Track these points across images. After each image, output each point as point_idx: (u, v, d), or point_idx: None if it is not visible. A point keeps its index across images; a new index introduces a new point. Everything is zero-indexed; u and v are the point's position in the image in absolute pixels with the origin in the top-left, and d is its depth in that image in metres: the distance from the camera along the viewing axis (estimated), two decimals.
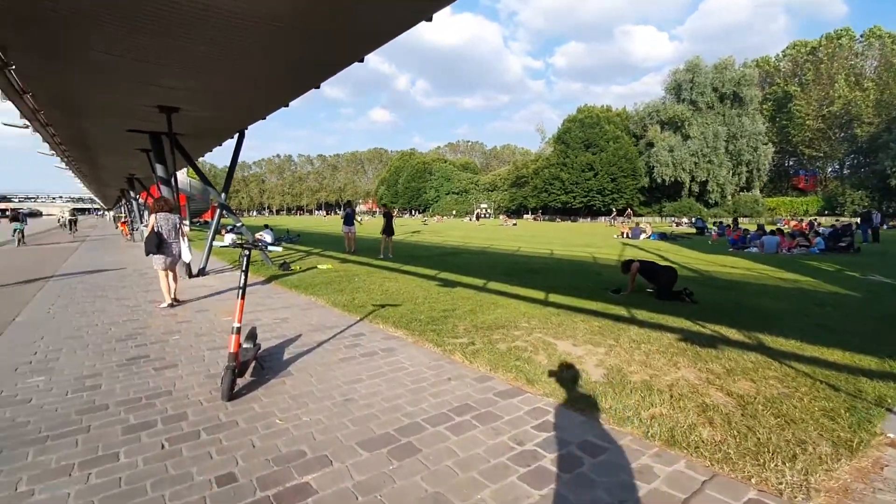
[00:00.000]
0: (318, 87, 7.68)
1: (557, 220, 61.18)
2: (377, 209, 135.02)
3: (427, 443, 2.84)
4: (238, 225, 11.43)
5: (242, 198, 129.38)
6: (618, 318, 6.01)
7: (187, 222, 20.40)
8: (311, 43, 5.23)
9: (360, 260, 13.06)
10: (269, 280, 9.52)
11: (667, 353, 4.53)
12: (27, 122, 8.69)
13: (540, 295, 7.64)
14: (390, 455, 2.70)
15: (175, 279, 7.28)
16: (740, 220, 33.03)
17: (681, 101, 57.96)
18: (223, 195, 10.85)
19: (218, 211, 11.07)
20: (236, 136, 10.95)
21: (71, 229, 28.89)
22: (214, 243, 7.30)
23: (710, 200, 56.50)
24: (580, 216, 61.35)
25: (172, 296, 7.11)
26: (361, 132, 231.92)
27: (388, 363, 4.32)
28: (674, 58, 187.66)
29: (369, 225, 40.51)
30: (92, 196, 50.62)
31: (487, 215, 74.69)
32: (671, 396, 3.49)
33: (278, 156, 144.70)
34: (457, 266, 11.63)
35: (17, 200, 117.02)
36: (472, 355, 4.43)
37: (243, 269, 3.79)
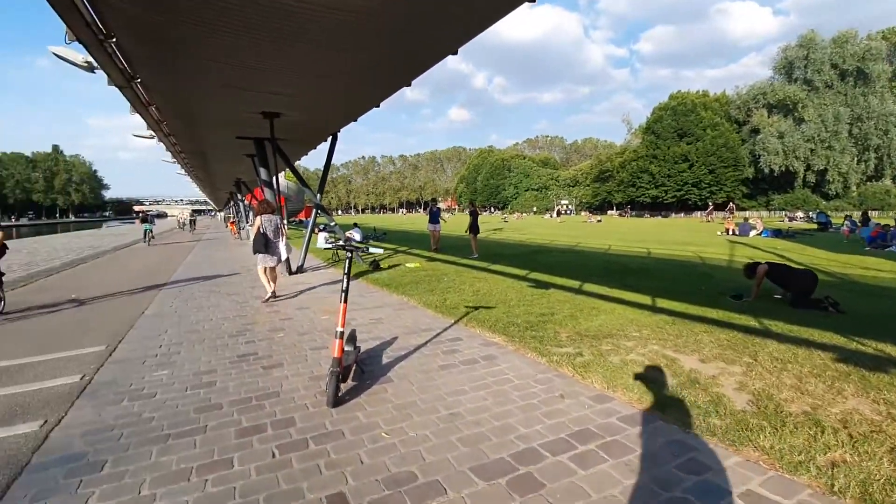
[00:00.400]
0: (409, 85, 7.62)
1: (646, 215, 57.25)
2: (455, 207, 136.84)
3: (549, 475, 2.49)
4: (331, 224, 11.87)
5: (332, 198, 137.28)
6: (748, 330, 5.18)
7: (285, 222, 21.68)
8: (409, 36, 5.09)
9: (446, 258, 12.99)
10: (357, 276, 9.73)
11: (824, 377, 3.74)
12: (153, 133, 9.70)
13: (645, 299, 6.92)
14: (510, 488, 2.39)
15: (275, 277, 7.74)
16: (870, 213, 28.27)
17: (793, 80, 51.28)
18: (318, 196, 11.31)
19: (314, 210, 11.61)
20: (330, 139, 11.36)
21: (191, 228, 33.68)
22: (315, 246, 7.66)
23: (829, 192, 49.40)
24: (672, 211, 56.81)
25: (273, 290, 7.58)
26: (441, 132, 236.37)
27: (491, 373, 4.03)
28: (779, 35, 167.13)
29: (451, 222, 40.69)
30: (206, 199, 56.56)
31: (569, 211, 72.06)
32: (850, 437, 2.80)
33: (363, 157, 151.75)
34: (546, 265, 11.08)
35: (147, 203, 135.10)
36: (583, 369, 3.99)
37: (346, 272, 3.70)
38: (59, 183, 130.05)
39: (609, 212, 65.30)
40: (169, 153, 13.97)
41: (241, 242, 21.37)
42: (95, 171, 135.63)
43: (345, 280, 3.67)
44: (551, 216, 61.28)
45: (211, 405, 3.46)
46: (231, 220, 33.17)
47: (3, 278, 7.33)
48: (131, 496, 2.35)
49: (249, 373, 4.14)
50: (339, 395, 3.47)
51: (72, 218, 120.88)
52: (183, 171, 20.70)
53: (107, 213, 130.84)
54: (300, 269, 10.80)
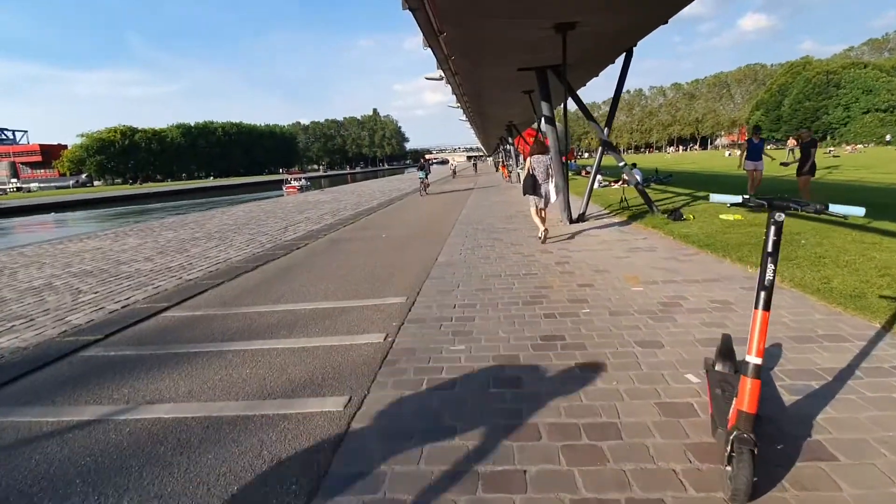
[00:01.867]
0: None
1: None
2: (743, 140, 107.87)
3: None
4: (621, 164, 9.87)
5: (592, 137, 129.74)
6: None
7: (568, 162, 20.62)
8: None
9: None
10: (638, 218, 7.64)
11: None
12: (441, 74, 9.66)
13: None
14: None
15: (544, 218, 7.44)
16: None
17: None
18: (606, 130, 9.44)
19: (600, 150, 9.81)
20: (623, 56, 9.13)
21: (475, 171, 38.21)
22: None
23: None
24: None
25: (544, 230, 7.35)
26: (725, 50, 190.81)
27: None
28: None
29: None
30: (479, 145, 61.69)
31: None
32: None
33: (628, 91, 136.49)
34: None
35: (434, 152, 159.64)
36: None
37: (768, 250, 1.96)
38: (378, 139, 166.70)
39: None
40: (454, 97, 14.40)
41: (512, 185, 21.59)
42: (399, 127, 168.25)
43: (767, 266, 1.93)
44: None
45: (525, 428, 2.41)
46: (503, 163, 34.52)
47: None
48: None
49: (562, 373, 3.00)
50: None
51: (385, 166, 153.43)
52: (464, 118, 21.89)
53: (407, 161, 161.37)
54: (581, 217, 9.41)
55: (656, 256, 6.09)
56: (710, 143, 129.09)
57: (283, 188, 41.05)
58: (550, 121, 9.14)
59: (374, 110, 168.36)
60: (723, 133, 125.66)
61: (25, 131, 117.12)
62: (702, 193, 12.86)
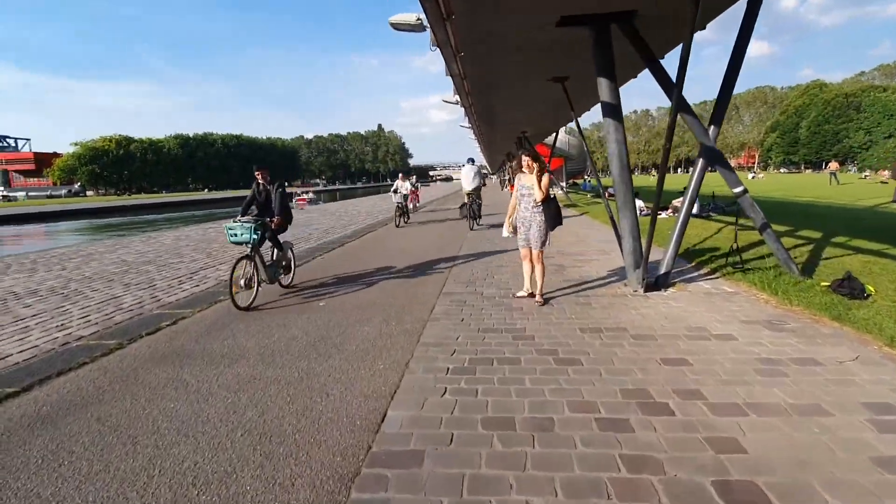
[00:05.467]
0: None
1: None
2: (754, 164, 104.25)
3: None
4: (737, 190, 5.78)
5: (598, 158, 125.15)
6: None
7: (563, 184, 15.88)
8: None
9: None
10: (750, 288, 3.59)
11: None
12: (433, 37, 5.54)
13: None
14: None
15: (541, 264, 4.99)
16: None
17: None
18: (712, 130, 5.49)
19: (700, 162, 5.63)
20: (745, 4, 5.23)
21: (482, 183, 35.14)
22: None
23: None
24: None
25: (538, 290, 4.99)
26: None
27: None
28: None
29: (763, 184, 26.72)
30: (484, 163, 58.22)
31: None
32: None
33: (635, 112, 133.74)
34: None
35: (438, 168, 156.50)
36: None
37: None
38: (381, 154, 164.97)
39: None
40: (457, 97, 10.56)
41: None
42: (404, 143, 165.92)
43: None
44: None
45: None
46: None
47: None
48: None
49: None
50: None
51: (389, 181, 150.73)
52: (467, 123, 18.14)
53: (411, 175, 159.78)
54: (665, 281, 5.41)
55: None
56: None
57: (294, 200, 42.07)
58: (614, 111, 5.21)
59: (379, 126, 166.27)
60: (731, 156, 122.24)
61: (28, 139, 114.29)
62: (813, 234, 8.79)
